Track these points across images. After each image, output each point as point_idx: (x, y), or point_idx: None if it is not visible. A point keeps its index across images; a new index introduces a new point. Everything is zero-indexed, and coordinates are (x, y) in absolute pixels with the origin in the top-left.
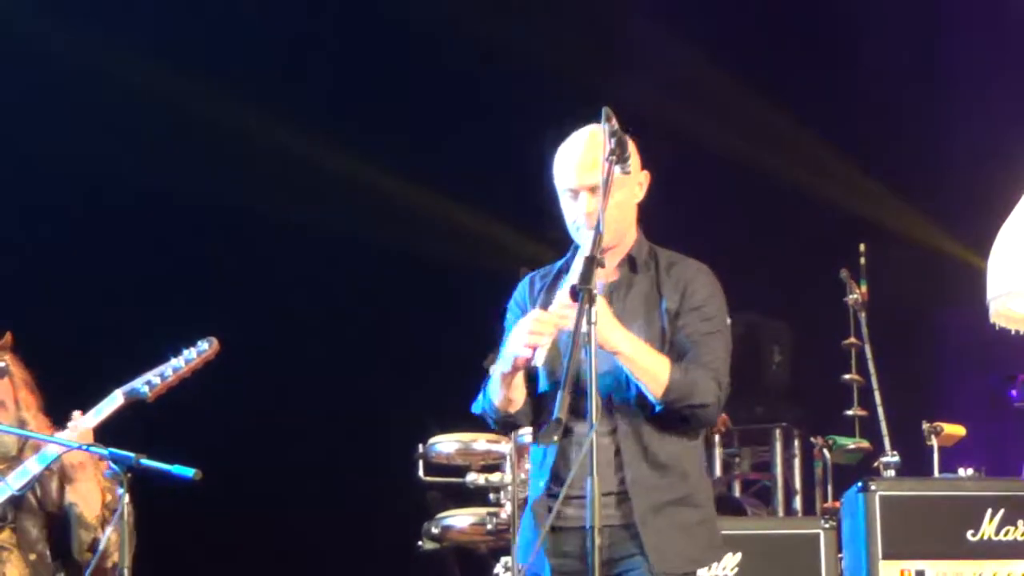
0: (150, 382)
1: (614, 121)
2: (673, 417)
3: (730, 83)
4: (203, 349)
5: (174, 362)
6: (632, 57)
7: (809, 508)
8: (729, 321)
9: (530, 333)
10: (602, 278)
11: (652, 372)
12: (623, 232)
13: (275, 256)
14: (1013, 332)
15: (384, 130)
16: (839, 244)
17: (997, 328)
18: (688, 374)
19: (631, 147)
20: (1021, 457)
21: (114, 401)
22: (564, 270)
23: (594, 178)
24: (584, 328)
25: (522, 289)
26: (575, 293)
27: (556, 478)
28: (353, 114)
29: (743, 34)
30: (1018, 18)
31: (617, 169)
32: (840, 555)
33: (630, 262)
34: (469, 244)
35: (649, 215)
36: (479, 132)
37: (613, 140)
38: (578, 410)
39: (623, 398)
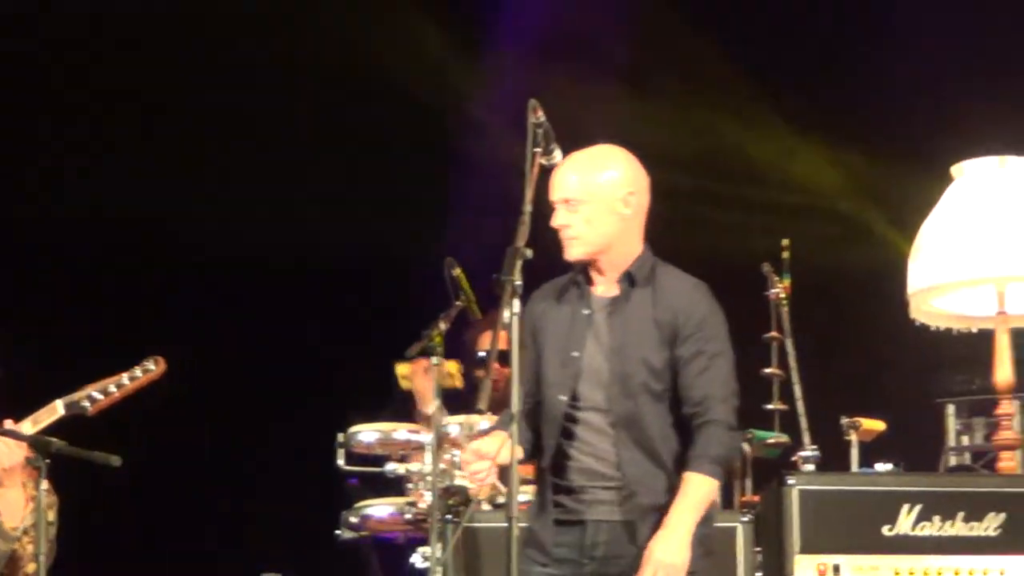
0: (92, 396)
1: (539, 113)
2: (683, 420)
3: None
4: (149, 368)
5: (119, 378)
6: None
7: (727, 502)
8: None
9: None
10: (606, 292)
11: (709, 495)
12: (599, 247)
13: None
14: (933, 328)
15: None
16: (762, 237)
17: (917, 324)
18: (706, 444)
19: (626, 163)
20: (939, 452)
21: (53, 412)
22: (570, 284)
23: (565, 192)
24: (506, 319)
25: (532, 301)
26: (499, 284)
27: (555, 471)
28: None
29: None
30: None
31: (542, 161)
32: (757, 549)
33: (629, 278)
34: (388, 235)
35: None
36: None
37: (538, 132)
38: (576, 407)
39: (624, 392)
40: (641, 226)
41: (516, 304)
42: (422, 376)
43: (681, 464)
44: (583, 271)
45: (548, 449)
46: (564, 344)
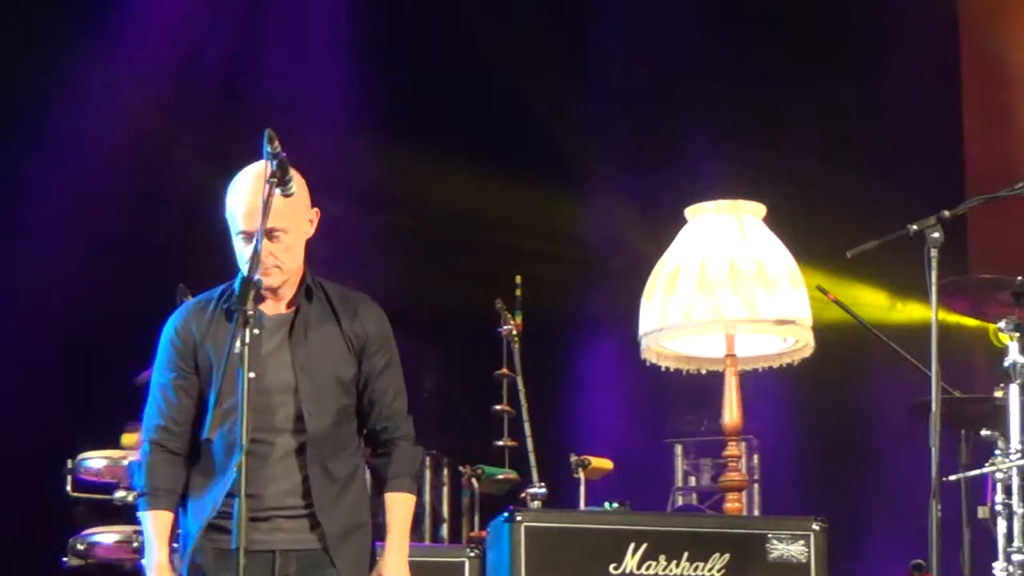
0: None
1: (276, 144)
2: (367, 435)
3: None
4: None
5: None
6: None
7: (456, 536)
8: None
9: None
10: (277, 310)
11: (412, 509)
12: (295, 273)
13: None
14: (663, 369)
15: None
16: (496, 274)
17: (648, 364)
18: (401, 461)
19: (300, 182)
20: (666, 491)
21: None
22: (226, 299)
23: (269, 222)
24: (237, 349)
25: (186, 319)
26: (231, 314)
27: (234, 497)
28: None
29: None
30: None
31: (278, 191)
32: None
33: (306, 292)
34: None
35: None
36: None
37: (275, 163)
38: (263, 428)
39: (316, 411)
40: None
41: (248, 334)
42: None
43: (363, 477)
44: (246, 279)
45: (229, 477)
46: (238, 366)
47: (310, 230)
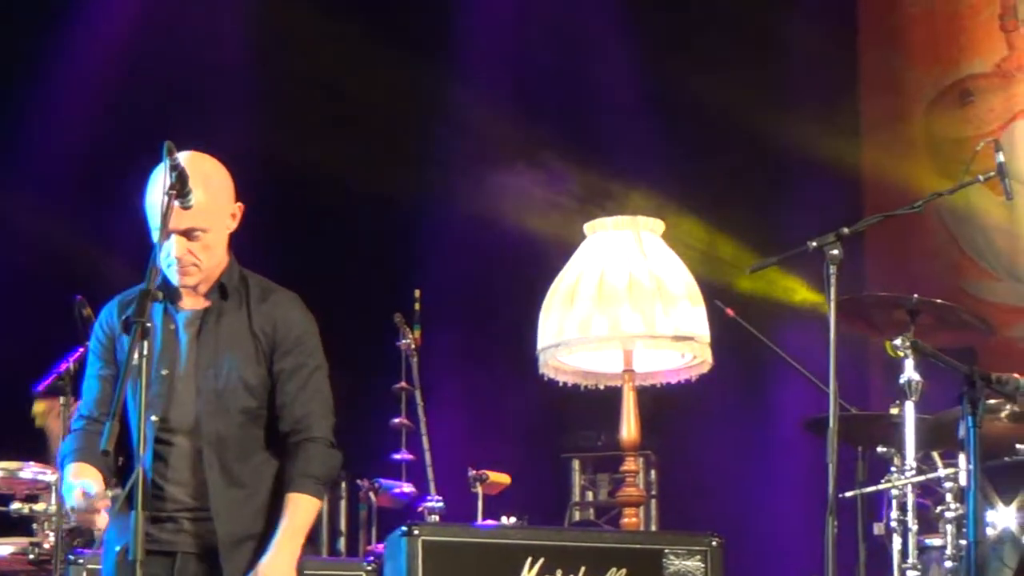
0: None
1: (175, 155)
2: (280, 438)
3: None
4: None
5: None
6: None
7: (353, 550)
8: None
9: (81, 517)
10: (193, 305)
11: (313, 515)
12: (214, 269)
13: None
14: (561, 384)
15: None
16: (396, 288)
17: (546, 379)
18: (307, 462)
19: (223, 179)
20: (563, 507)
21: None
22: (149, 296)
23: (187, 222)
24: (135, 361)
25: (109, 313)
26: (128, 326)
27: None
28: None
29: None
30: None
31: (177, 204)
32: None
33: (220, 289)
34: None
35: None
36: None
37: (174, 175)
38: (165, 428)
39: (217, 411)
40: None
41: (146, 346)
42: (54, 417)
43: (278, 485)
44: (163, 284)
45: (134, 474)
46: (136, 378)
47: (233, 225)
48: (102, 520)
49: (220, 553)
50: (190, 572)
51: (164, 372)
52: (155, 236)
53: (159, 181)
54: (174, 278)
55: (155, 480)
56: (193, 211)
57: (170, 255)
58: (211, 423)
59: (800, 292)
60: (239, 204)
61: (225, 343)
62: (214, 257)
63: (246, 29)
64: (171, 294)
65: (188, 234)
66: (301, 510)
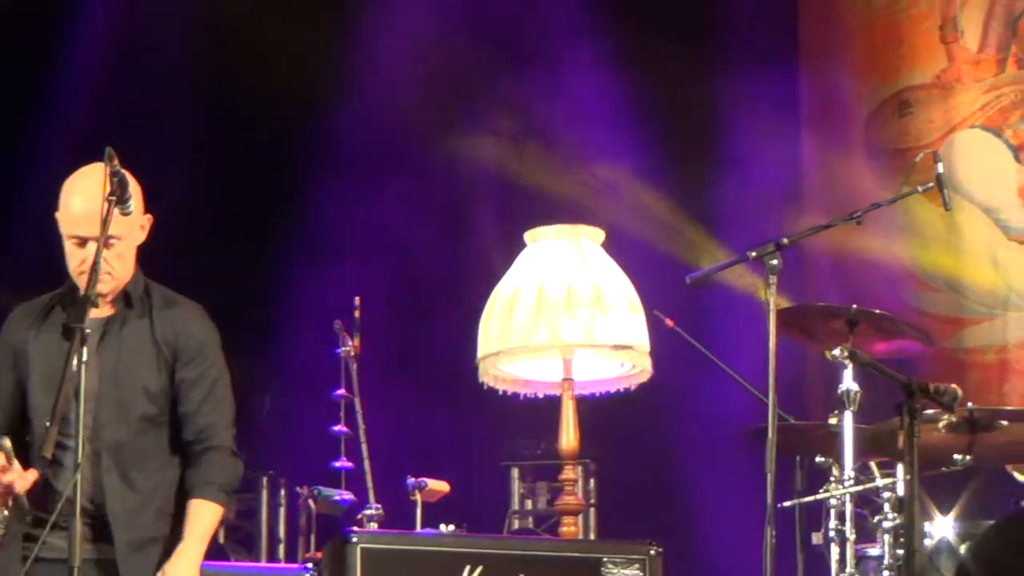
0: None
1: (116, 161)
2: (181, 446)
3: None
4: None
5: None
6: None
7: (292, 556)
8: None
9: None
10: (97, 313)
11: (216, 522)
12: (124, 279)
13: None
14: (500, 392)
15: None
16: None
17: (486, 387)
18: (210, 469)
19: (135, 190)
20: (502, 515)
21: None
22: (52, 306)
23: (111, 229)
24: (74, 366)
25: (9, 323)
26: (68, 332)
27: (39, 506)
28: None
29: None
30: None
31: (117, 210)
32: None
33: (125, 298)
34: None
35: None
36: None
37: (114, 181)
38: (65, 434)
39: (117, 418)
40: None
41: (85, 352)
42: None
43: (180, 493)
44: (69, 291)
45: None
46: (53, 368)
47: (142, 236)
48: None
49: (118, 557)
50: None
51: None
52: (68, 240)
53: (79, 189)
54: (83, 283)
55: (52, 485)
56: (98, 219)
57: (85, 263)
58: (111, 429)
59: (761, 291)
60: (148, 216)
61: (127, 351)
62: (126, 266)
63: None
64: (73, 299)
65: (106, 243)
66: (205, 516)
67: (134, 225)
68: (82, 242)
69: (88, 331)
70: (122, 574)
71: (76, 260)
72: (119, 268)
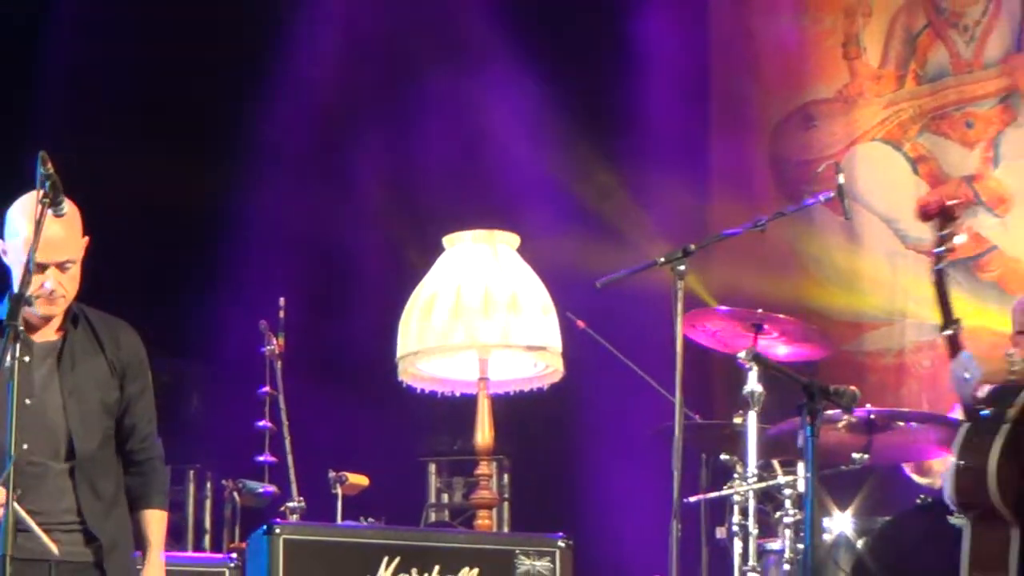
0: None
1: (49, 165)
2: (123, 455)
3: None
4: None
5: None
6: None
7: (217, 547)
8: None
9: None
10: (45, 336)
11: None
12: (72, 298)
13: None
14: (419, 390)
15: None
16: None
17: (404, 385)
18: (157, 480)
19: (74, 211)
20: (420, 508)
21: None
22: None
23: (63, 254)
24: (8, 363)
25: None
26: (1, 329)
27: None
28: None
29: None
30: None
31: (50, 212)
32: None
33: (73, 318)
34: None
35: None
36: None
37: (47, 184)
38: (38, 451)
39: (85, 435)
40: None
41: (18, 348)
42: None
43: (124, 498)
44: (17, 296)
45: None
46: (11, 393)
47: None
48: None
49: (103, 559)
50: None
51: (28, 401)
52: (23, 264)
53: (32, 221)
54: (42, 309)
55: (23, 506)
56: (65, 243)
57: (44, 287)
58: (82, 444)
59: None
60: (86, 237)
61: (85, 370)
62: (75, 287)
63: None
64: (26, 326)
65: (62, 266)
66: (161, 526)
67: (81, 247)
68: (42, 269)
69: (21, 328)
70: (106, 572)
71: (33, 284)
72: (71, 290)
